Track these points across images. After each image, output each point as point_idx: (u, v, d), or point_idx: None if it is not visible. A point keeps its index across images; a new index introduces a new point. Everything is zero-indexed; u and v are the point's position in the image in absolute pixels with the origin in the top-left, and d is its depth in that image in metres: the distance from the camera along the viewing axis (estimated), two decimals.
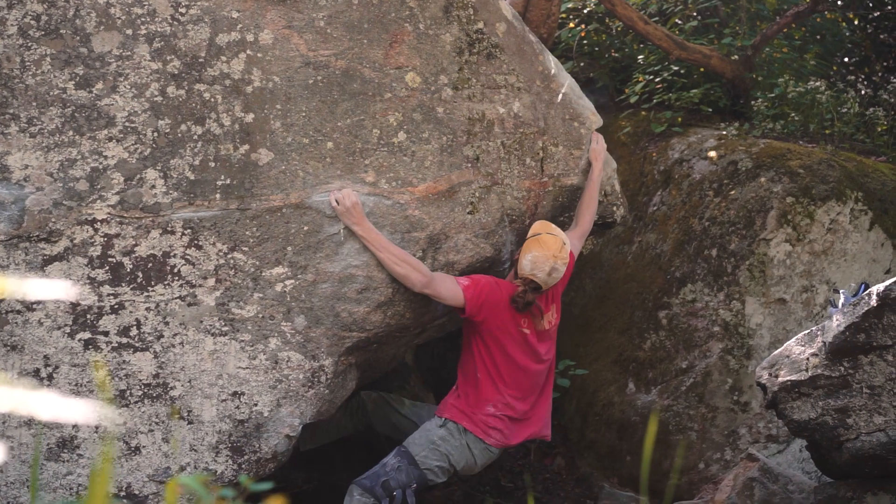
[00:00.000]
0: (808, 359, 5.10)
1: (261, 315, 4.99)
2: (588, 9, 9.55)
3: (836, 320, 4.94)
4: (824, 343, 5.00)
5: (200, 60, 4.92)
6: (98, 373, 4.75)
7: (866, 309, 4.80)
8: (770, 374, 5.27)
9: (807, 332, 5.23)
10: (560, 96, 5.71)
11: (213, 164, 4.92)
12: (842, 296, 5.13)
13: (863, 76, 9.97)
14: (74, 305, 4.78)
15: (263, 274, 4.99)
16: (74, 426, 4.79)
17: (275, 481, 2.36)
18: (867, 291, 4.85)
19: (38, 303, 4.74)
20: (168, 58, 4.88)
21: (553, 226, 5.57)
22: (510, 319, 5.50)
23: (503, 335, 5.51)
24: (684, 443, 6.97)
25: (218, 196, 4.92)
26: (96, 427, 4.82)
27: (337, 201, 5.01)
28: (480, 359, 5.56)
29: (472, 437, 5.58)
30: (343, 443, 6.35)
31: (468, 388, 5.62)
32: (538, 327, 5.62)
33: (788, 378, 5.13)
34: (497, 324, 5.48)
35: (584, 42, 9.44)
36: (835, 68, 10.21)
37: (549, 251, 5.42)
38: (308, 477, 6.68)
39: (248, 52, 4.98)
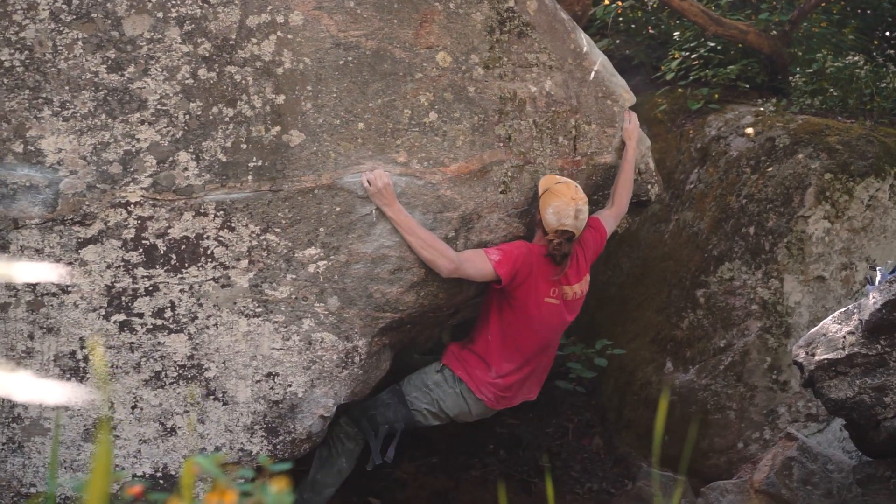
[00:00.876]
0: (844, 337, 5.05)
1: (294, 296, 5.01)
2: None
3: (873, 297, 4.89)
4: (861, 321, 4.94)
5: (231, 42, 4.93)
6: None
7: None
8: (807, 353, 5.23)
9: (843, 309, 5.18)
10: (592, 74, 5.67)
11: (244, 146, 4.93)
12: (878, 273, 5.08)
13: None
14: (109, 287, 4.81)
15: (296, 255, 5.00)
16: (111, 407, 4.83)
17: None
18: None
19: (74, 285, 4.78)
20: (199, 40, 4.89)
21: (558, 176, 5.53)
22: (540, 286, 5.49)
23: (531, 301, 5.49)
24: (722, 422, 6.93)
25: (250, 178, 4.94)
26: (132, 407, 4.86)
27: (369, 182, 5.02)
28: (498, 323, 5.55)
29: (466, 387, 5.61)
30: None
31: (477, 347, 5.63)
32: (566, 296, 5.61)
33: (825, 356, 5.08)
34: (526, 290, 5.46)
35: (620, 19, 9.37)
36: (875, 42, 10.08)
37: (566, 196, 5.39)
38: None
39: (279, 33, 4.98)
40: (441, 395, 5.60)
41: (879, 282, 5.00)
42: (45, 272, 4.61)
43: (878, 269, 5.11)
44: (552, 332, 5.66)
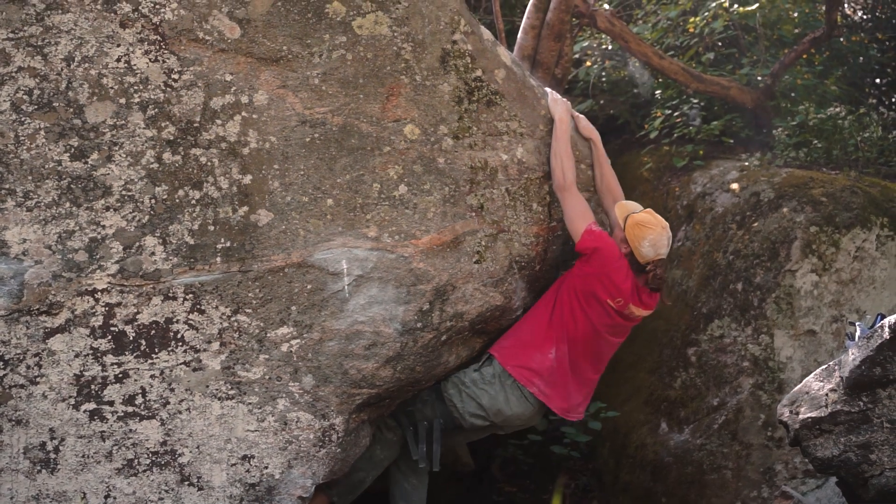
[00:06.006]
0: (826, 394, 4.98)
1: (268, 376, 4.96)
2: (605, 46, 9.50)
3: (852, 354, 4.82)
4: (842, 378, 4.87)
5: (195, 125, 4.93)
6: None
7: (880, 342, 4.67)
8: (791, 412, 5.16)
9: (824, 366, 5.12)
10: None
11: (212, 228, 4.91)
12: (858, 328, 5.02)
13: (892, 99, 9.83)
14: (78, 377, 4.77)
15: (268, 335, 4.97)
16: (84, 498, 4.77)
17: None
18: (881, 323, 4.73)
19: (42, 375, 4.74)
20: (163, 124, 4.89)
21: (627, 202, 5.70)
22: (612, 290, 5.47)
23: (594, 299, 5.49)
24: (719, 482, 6.84)
25: (219, 259, 4.91)
26: (105, 497, 4.80)
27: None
28: (559, 312, 5.54)
29: (511, 381, 5.54)
30: None
31: (522, 337, 5.60)
32: (627, 312, 5.58)
33: (809, 415, 5.01)
34: (592, 286, 5.46)
35: (603, 79, 9.39)
36: (867, 90, 10.07)
37: (657, 227, 5.52)
38: None
39: (244, 113, 4.98)
40: (477, 392, 5.55)
41: (859, 337, 4.94)
42: None
43: (857, 324, 5.05)
44: (609, 335, 5.61)
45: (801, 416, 5.06)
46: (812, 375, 5.19)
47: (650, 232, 5.47)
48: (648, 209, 5.63)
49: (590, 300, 5.48)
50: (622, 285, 5.47)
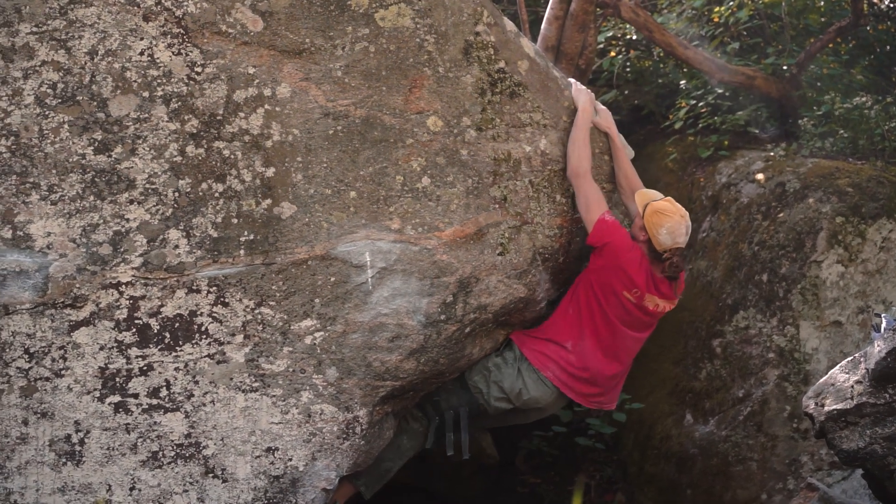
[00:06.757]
0: (852, 386, 4.95)
1: (291, 369, 4.97)
2: (629, 36, 9.46)
3: (878, 346, 4.79)
4: (868, 370, 4.84)
5: (218, 118, 4.93)
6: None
7: None
8: (816, 404, 5.13)
9: (850, 358, 5.09)
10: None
11: (235, 221, 4.92)
12: (884, 320, 4.98)
13: None
14: (103, 369, 4.79)
15: (292, 327, 4.97)
16: (109, 490, 4.79)
17: None
18: None
19: (67, 368, 4.76)
20: (186, 117, 4.90)
21: (647, 190, 5.70)
22: (626, 282, 5.47)
23: (610, 293, 5.49)
24: (744, 473, 6.81)
25: (242, 252, 4.92)
26: (130, 489, 4.82)
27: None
28: (575, 306, 5.56)
29: (527, 364, 5.56)
30: None
31: (546, 329, 5.63)
32: (646, 304, 5.56)
33: (834, 407, 4.98)
34: (607, 279, 5.47)
35: (628, 70, 9.35)
36: (893, 79, 9.98)
37: (676, 215, 5.50)
38: None
39: (266, 106, 4.98)
40: (499, 376, 5.57)
41: (885, 329, 4.90)
42: None
43: (882, 315, 5.01)
44: (627, 328, 5.60)
45: (826, 408, 5.03)
46: (838, 367, 5.16)
47: (668, 220, 5.45)
48: (668, 198, 5.61)
49: (607, 294, 5.48)
50: (636, 277, 5.45)
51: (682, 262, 5.56)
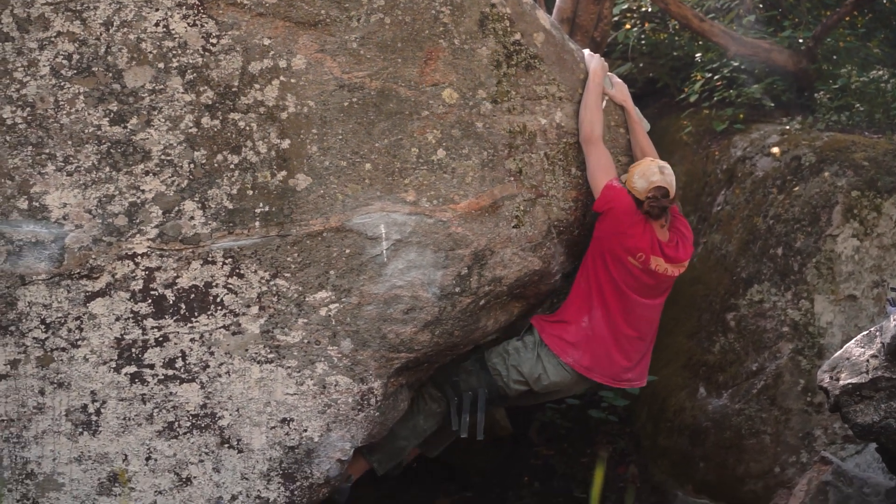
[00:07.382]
0: (867, 360, 4.94)
1: (306, 340, 4.99)
2: (644, 8, 9.41)
3: (894, 320, 4.79)
4: (883, 344, 4.84)
5: (234, 89, 4.93)
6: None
7: None
8: (831, 378, 5.13)
9: (865, 332, 5.08)
10: (604, 103, 5.61)
11: (251, 192, 4.93)
12: None
13: None
14: (119, 340, 4.82)
15: (307, 299, 4.99)
16: (125, 459, 4.82)
17: None
18: None
19: (83, 339, 4.78)
20: (201, 89, 4.90)
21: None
22: (630, 247, 5.46)
23: (615, 259, 5.47)
24: (757, 447, 6.82)
25: (257, 224, 4.93)
26: (146, 459, 4.85)
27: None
28: (585, 277, 5.57)
29: (546, 350, 5.57)
30: None
31: (566, 306, 5.64)
32: (653, 268, 5.54)
33: (849, 381, 4.98)
34: (610, 245, 5.46)
35: (643, 42, 9.31)
36: None
37: (646, 161, 5.53)
38: None
39: (282, 78, 4.97)
40: (519, 361, 5.58)
41: None
42: None
43: None
44: (640, 296, 5.59)
45: (841, 382, 5.03)
46: (853, 341, 5.15)
47: (638, 166, 5.50)
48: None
49: (613, 261, 5.47)
50: (640, 241, 5.44)
51: (667, 201, 5.49)
